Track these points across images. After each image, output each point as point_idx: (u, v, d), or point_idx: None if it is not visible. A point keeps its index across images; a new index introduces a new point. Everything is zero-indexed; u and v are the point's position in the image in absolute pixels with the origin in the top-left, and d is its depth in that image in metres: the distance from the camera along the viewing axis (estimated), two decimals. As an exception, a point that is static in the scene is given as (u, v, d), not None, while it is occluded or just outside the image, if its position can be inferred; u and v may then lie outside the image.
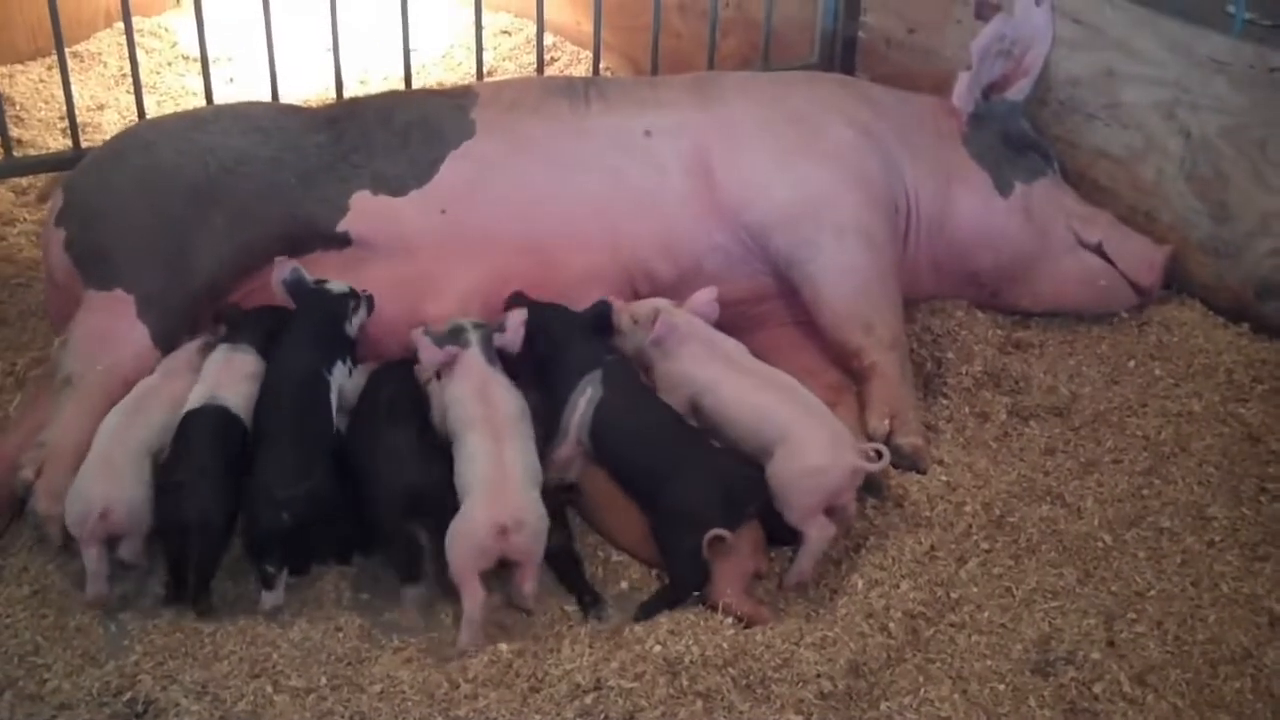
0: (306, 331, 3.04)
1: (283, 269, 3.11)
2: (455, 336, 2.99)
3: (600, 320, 3.15)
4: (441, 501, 2.73)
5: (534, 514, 2.69)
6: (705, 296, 3.18)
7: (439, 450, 2.88)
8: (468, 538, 2.64)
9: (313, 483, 2.73)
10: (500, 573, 2.70)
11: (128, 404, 2.91)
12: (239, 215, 3.22)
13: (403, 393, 3.03)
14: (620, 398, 2.96)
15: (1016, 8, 3.70)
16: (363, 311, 3.13)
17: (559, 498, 2.88)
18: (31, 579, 2.76)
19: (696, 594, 2.70)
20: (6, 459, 2.95)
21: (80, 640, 2.62)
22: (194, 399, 2.89)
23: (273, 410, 2.89)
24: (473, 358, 2.97)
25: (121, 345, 3.06)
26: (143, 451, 2.79)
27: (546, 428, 2.96)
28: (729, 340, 3.12)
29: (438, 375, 3.01)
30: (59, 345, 3.11)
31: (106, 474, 2.72)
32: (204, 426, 2.83)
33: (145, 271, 3.13)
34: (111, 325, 3.08)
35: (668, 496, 2.76)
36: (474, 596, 2.62)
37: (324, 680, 2.51)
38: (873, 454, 2.84)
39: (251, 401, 2.93)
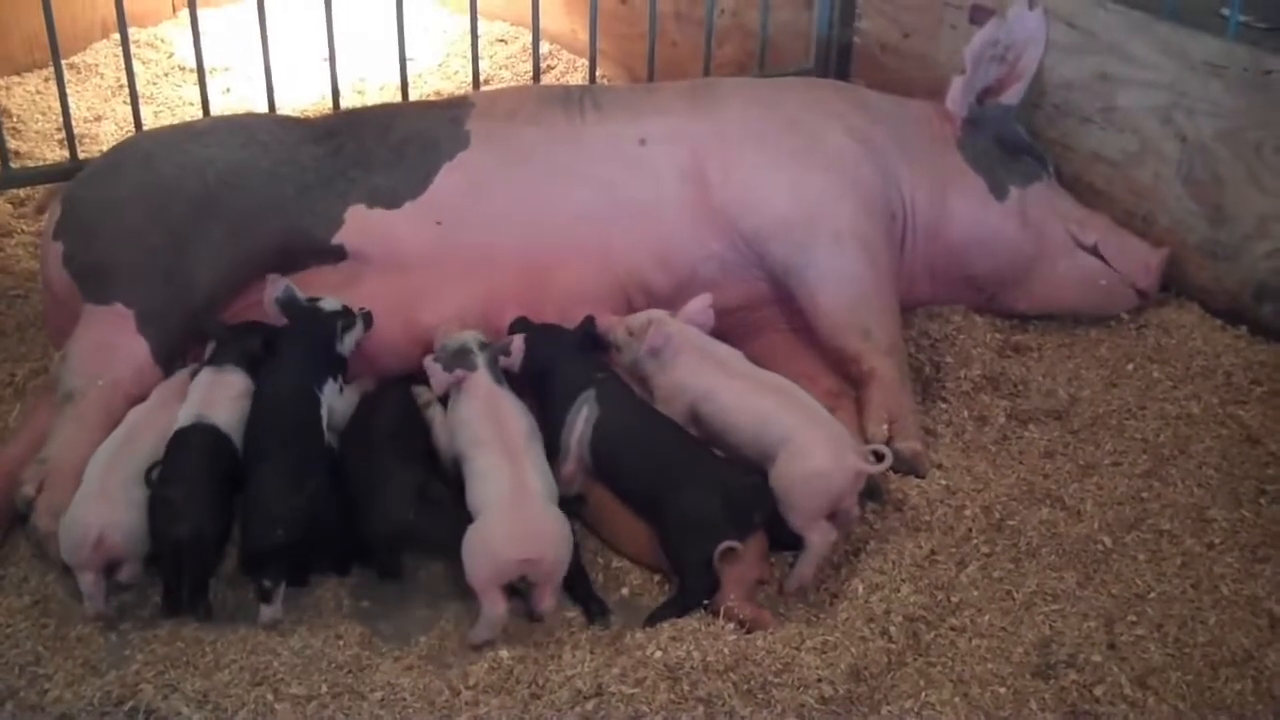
0: (299, 350, 3.03)
1: (275, 287, 3.09)
2: (461, 359, 3.00)
3: (588, 338, 3.15)
4: (437, 536, 2.75)
5: (560, 537, 2.70)
6: (699, 305, 3.18)
7: (436, 482, 2.89)
8: (489, 558, 2.64)
9: (306, 499, 2.72)
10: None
11: (120, 433, 2.90)
12: (237, 228, 3.21)
13: (403, 425, 3.03)
14: (617, 414, 2.96)
15: (1009, 12, 3.71)
16: (359, 328, 3.12)
17: (564, 508, 2.88)
18: (32, 589, 2.76)
19: (705, 602, 2.70)
20: (6, 471, 2.95)
21: (81, 650, 2.61)
22: (183, 417, 2.88)
23: (265, 428, 2.89)
24: (480, 378, 2.98)
25: (122, 360, 3.05)
26: (136, 478, 2.77)
27: (547, 446, 2.96)
28: (724, 347, 3.12)
29: (441, 400, 3.02)
30: (59, 360, 3.10)
31: (102, 501, 2.71)
32: (193, 444, 2.82)
33: (144, 285, 3.12)
34: (111, 340, 3.07)
35: (676, 508, 2.76)
36: (496, 604, 2.63)
37: (325, 688, 2.50)
38: (874, 456, 2.84)
39: (240, 420, 2.92)
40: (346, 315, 3.11)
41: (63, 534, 2.69)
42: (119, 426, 2.92)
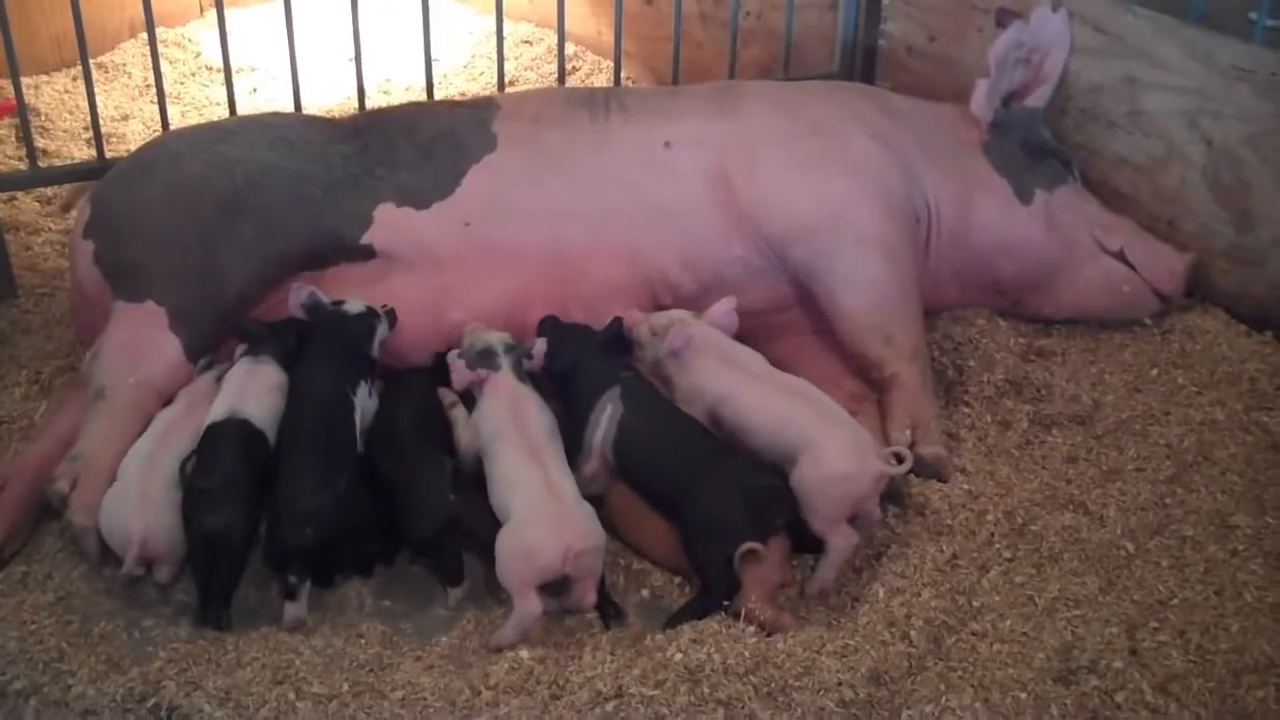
0: (328, 353, 3.05)
1: (299, 294, 3.12)
2: (486, 359, 3.01)
3: (615, 338, 3.16)
4: (479, 523, 2.75)
5: (597, 530, 2.71)
6: (724, 307, 3.19)
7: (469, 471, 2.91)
8: (529, 560, 2.64)
9: (335, 498, 2.73)
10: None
11: (153, 435, 2.91)
12: (266, 227, 3.23)
13: (425, 416, 3.04)
14: (641, 413, 2.96)
15: (1032, 15, 3.70)
16: (383, 327, 3.14)
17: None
18: (57, 586, 2.78)
19: (726, 604, 2.70)
20: (34, 467, 2.97)
21: (105, 646, 2.63)
22: (216, 411, 2.90)
23: (297, 430, 2.90)
24: (503, 379, 2.99)
25: (154, 358, 3.07)
26: (174, 480, 2.79)
27: (570, 445, 2.97)
28: (746, 350, 3.12)
29: (463, 399, 3.03)
30: (90, 357, 3.11)
31: (143, 505, 2.72)
32: (227, 439, 2.84)
33: (176, 283, 3.13)
34: (143, 337, 3.08)
35: (698, 509, 2.76)
36: (532, 606, 2.63)
37: (346, 687, 2.51)
38: (895, 458, 2.84)
39: (274, 414, 2.94)
40: (372, 316, 3.13)
41: (105, 532, 2.71)
42: (149, 428, 2.93)
